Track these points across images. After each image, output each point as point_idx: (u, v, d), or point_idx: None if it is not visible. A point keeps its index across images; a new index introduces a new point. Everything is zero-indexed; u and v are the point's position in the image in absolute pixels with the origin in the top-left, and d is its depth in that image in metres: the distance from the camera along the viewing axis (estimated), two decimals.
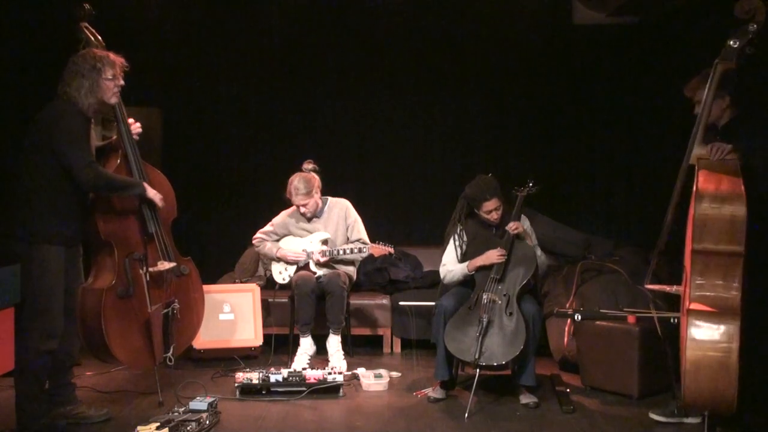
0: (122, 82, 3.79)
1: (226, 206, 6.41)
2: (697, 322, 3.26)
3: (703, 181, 3.36)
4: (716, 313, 3.26)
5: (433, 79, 6.38)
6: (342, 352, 4.94)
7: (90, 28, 3.91)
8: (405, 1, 6.25)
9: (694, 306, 3.30)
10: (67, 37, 3.93)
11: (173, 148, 6.35)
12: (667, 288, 3.65)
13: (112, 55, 3.76)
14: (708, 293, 3.31)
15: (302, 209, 5.03)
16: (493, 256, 4.27)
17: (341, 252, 4.99)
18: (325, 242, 5.07)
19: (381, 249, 4.90)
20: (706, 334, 3.24)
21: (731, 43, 3.43)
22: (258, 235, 5.20)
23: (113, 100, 3.78)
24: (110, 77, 3.69)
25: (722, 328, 3.23)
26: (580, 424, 3.89)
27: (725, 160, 3.43)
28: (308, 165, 5.09)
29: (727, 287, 3.30)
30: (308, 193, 4.96)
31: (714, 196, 3.31)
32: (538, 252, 4.41)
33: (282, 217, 5.23)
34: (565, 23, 6.18)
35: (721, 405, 3.27)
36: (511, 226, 4.31)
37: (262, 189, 6.28)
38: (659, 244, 3.72)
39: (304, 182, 4.96)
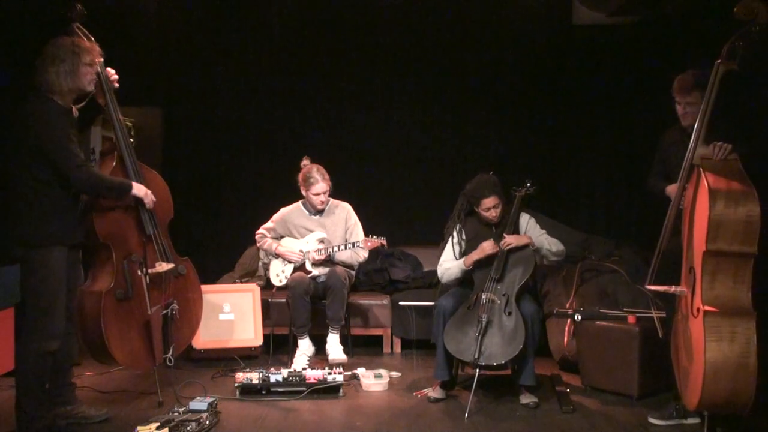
0: (99, 69, 3.78)
1: (226, 206, 6.42)
2: (715, 324, 3.25)
3: (714, 182, 3.33)
4: (732, 313, 3.26)
5: (433, 79, 6.38)
6: (341, 347, 4.94)
7: (82, 28, 3.90)
8: (406, 2, 6.25)
9: (708, 308, 3.29)
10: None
11: (174, 148, 6.36)
12: (668, 289, 3.63)
13: (89, 43, 3.76)
14: (720, 294, 3.31)
15: (322, 197, 5.07)
16: (487, 247, 4.26)
17: (336, 249, 5.01)
18: (321, 242, 5.09)
19: (373, 242, 4.95)
20: (725, 336, 3.23)
21: (733, 44, 3.41)
22: (260, 230, 5.25)
23: (90, 88, 3.74)
24: (88, 62, 3.67)
25: (740, 328, 3.23)
26: (580, 424, 3.89)
27: (727, 160, 3.41)
28: (306, 160, 5.15)
29: (738, 287, 3.31)
30: (326, 180, 5.05)
31: (728, 196, 3.28)
32: (545, 243, 4.33)
33: (281, 214, 5.26)
34: (565, 23, 6.18)
35: (737, 405, 3.28)
36: (505, 242, 4.25)
37: (263, 189, 6.30)
38: (661, 244, 3.72)
39: (321, 171, 5.05)
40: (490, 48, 6.29)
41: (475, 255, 4.30)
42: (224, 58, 6.36)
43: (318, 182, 5.02)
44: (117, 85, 4.00)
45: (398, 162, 6.43)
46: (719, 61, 3.45)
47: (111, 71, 3.97)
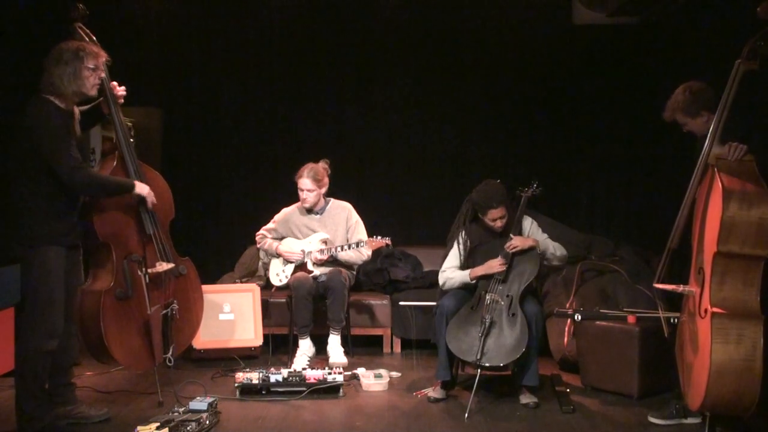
0: (103, 74, 3.77)
1: (226, 206, 6.42)
2: (722, 326, 3.24)
3: (728, 183, 3.29)
4: (740, 316, 3.25)
5: (433, 80, 6.38)
6: (342, 349, 4.94)
7: (84, 28, 3.90)
8: (406, 3, 6.26)
9: (716, 309, 3.28)
10: (61, 38, 3.91)
11: (173, 148, 6.36)
12: (677, 288, 3.61)
13: (95, 48, 3.75)
14: (729, 296, 3.30)
15: (305, 194, 5.05)
16: (495, 265, 4.24)
17: (340, 249, 5.00)
18: (324, 242, 5.09)
19: (377, 242, 4.95)
20: (731, 338, 3.22)
21: (755, 43, 3.37)
22: (261, 231, 5.26)
23: (93, 92, 3.73)
24: (92, 67, 3.65)
25: (747, 331, 3.22)
26: (580, 424, 3.89)
27: (743, 161, 3.38)
28: (324, 163, 5.14)
29: (747, 290, 3.29)
30: (316, 181, 5.02)
31: (742, 198, 3.26)
32: (550, 247, 4.34)
33: (283, 214, 5.26)
34: (565, 23, 6.18)
35: (740, 407, 3.28)
36: (510, 245, 4.25)
37: (262, 189, 6.29)
38: (671, 242, 3.69)
39: (315, 171, 5.03)
40: (491, 48, 6.29)
41: (481, 270, 4.28)
42: (224, 58, 6.36)
43: (302, 177, 5.03)
44: (122, 100, 3.98)
45: (399, 162, 6.43)
46: (739, 60, 3.41)
47: (116, 84, 3.96)
